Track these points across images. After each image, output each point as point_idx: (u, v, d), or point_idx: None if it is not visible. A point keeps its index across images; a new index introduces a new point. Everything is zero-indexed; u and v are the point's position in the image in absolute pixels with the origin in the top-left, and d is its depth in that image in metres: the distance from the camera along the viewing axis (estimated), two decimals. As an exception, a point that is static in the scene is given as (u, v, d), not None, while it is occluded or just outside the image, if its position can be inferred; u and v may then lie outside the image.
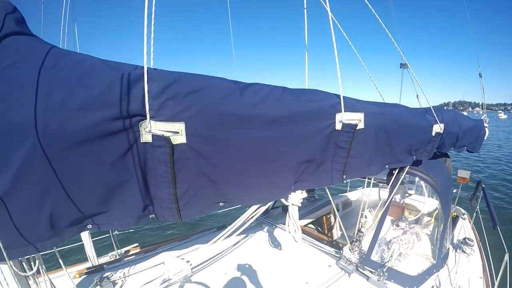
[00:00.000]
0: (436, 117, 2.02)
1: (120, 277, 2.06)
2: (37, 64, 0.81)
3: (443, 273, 2.27)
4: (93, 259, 2.46)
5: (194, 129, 0.97)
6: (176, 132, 0.94)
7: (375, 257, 2.24)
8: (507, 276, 2.53)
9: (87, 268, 2.22)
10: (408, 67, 2.88)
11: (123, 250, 2.78)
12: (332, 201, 2.29)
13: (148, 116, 0.88)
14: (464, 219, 3.69)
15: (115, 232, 2.62)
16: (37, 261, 1.03)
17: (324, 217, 3.87)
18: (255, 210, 1.41)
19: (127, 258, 2.38)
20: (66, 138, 0.81)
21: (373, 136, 1.55)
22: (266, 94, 1.15)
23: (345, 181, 1.59)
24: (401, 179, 2.37)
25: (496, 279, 2.39)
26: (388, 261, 2.12)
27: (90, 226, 1.00)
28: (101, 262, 2.42)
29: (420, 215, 3.13)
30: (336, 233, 3.94)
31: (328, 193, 2.00)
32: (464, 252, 2.69)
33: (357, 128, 1.40)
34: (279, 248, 2.57)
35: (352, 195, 4.83)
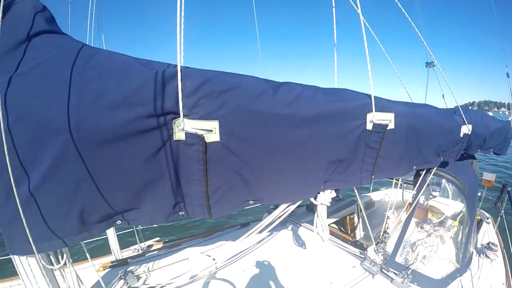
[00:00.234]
0: (464, 118, 1.96)
1: (144, 271, 2.09)
2: (69, 62, 0.82)
3: (465, 278, 2.22)
4: (117, 253, 2.51)
5: (228, 127, 0.97)
6: (210, 130, 0.94)
7: (399, 259, 2.20)
8: None
9: (111, 262, 2.27)
10: (434, 65, 2.80)
11: (146, 244, 2.82)
12: (359, 202, 2.27)
13: (181, 114, 0.88)
14: (488, 223, 3.58)
15: (138, 227, 2.66)
16: (64, 255, 1.04)
17: (347, 217, 3.83)
18: (285, 209, 1.40)
19: (150, 253, 2.42)
20: (99, 135, 0.81)
21: (402, 136, 1.52)
22: (299, 93, 1.14)
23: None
24: (428, 180, 2.32)
25: None
26: (412, 264, 2.09)
27: (119, 222, 1.00)
28: (124, 256, 2.47)
29: (443, 217, 3.05)
30: (359, 233, 3.89)
31: (356, 193, 1.98)
32: (488, 257, 2.62)
33: (388, 128, 1.38)
34: (303, 247, 2.57)
35: (375, 196, 4.78)
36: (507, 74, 3.83)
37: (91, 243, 2.87)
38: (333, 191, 1.38)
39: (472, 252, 2.55)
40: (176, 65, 0.90)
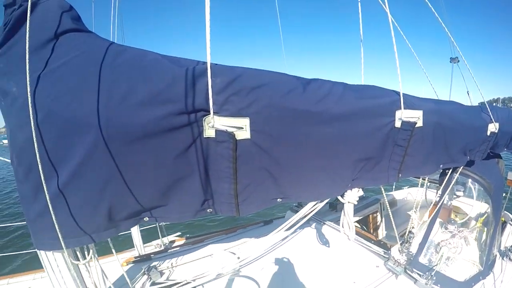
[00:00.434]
0: (491, 116, 1.91)
1: (167, 267, 2.12)
2: (98, 60, 0.82)
3: (488, 281, 2.16)
4: (140, 248, 2.56)
5: (258, 124, 0.97)
6: (240, 127, 0.94)
7: (423, 259, 2.16)
8: None
9: (135, 257, 2.32)
10: (458, 61, 2.73)
11: (168, 239, 2.86)
12: (385, 200, 2.24)
13: (211, 111, 0.88)
14: None
15: (161, 222, 2.71)
16: (90, 250, 1.04)
17: (370, 215, 3.79)
18: (312, 207, 1.40)
19: (173, 249, 2.45)
20: (129, 132, 0.81)
21: (430, 134, 1.49)
22: (328, 90, 1.13)
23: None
24: (454, 180, 2.26)
25: None
26: (436, 265, 2.05)
27: (147, 218, 1.00)
28: (147, 251, 2.52)
29: (467, 218, 2.97)
30: (381, 232, 3.84)
31: (383, 190, 1.95)
32: (511, 260, 2.53)
33: (416, 126, 1.35)
34: (327, 245, 2.55)
35: (398, 195, 4.70)
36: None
37: (112, 237, 2.94)
38: (361, 189, 1.37)
39: (496, 255, 2.48)
40: (205, 62, 0.89)
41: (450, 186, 2.26)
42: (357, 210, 3.56)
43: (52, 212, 0.77)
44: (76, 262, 0.99)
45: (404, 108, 1.30)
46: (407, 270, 2.05)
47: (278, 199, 1.18)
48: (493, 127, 1.91)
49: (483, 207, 3.03)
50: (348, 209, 1.39)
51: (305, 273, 2.11)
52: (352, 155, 1.25)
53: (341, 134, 1.16)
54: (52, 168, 0.79)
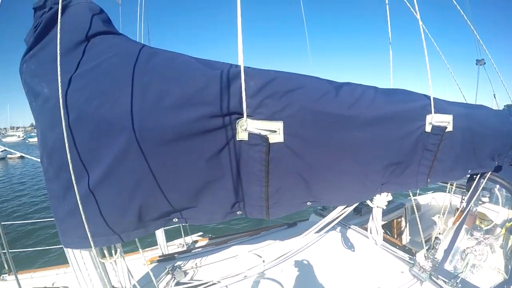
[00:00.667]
0: None
1: (192, 267, 2.15)
2: (130, 62, 0.83)
3: None
4: (164, 247, 2.60)
5: (292, 128, 0.97)
6: (274, 131, 0.94)
7: (448, 266, 2.12)
8: None
9: (159, 256, 2.36)
10: (484, 63, 2.67)
11: (191, 238, 2.88)
12: (413, 204, 2.21)
13: (245, 114, 0.88)
14: None
15: None
16: (118, 249, 1.03)
17: (395, 220, 3.72)
18: (340, 211, 1.41)
19: (197, 249, 2.48)
20: (162, 134, 0.82)
21: (460, 139, 1.48)
22: (360, 94, 1.14)
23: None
24: (482, 185, 2.21)
25: None
26: (462, 272, 2.00)
27: (176, 219, 1.00)
28: (170, 250, 2.57)
29: (492, 225, 2.88)
30: (406, 237, 3.76)
31: (411, 194, 1.93)
32: None
33: (446, 130, 1.34)
34: (351, 249, 2.54)
35: (422, 200, 4.62)
36: None
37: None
38: (389, 194, 1.37)
39: None
40: (238, 65, 0.89)
41: (478, 191, 2.21)
42: (382, 214, 3.50)
43: (82, 212, 0.77)
44: (103, 260, 0.99)
45: (435, 113, 1.29)
46: (432, 277, 2.01)
47: (308, 203, 1.18)
48: None
49: (509, 213, 2.93)
50: (377, 213, 1.39)
51: (329, 277, 2.10)
52: (382, 160, 1.24)
53: (373, 138, 1.16)
54: (83, 168, 0.80)
